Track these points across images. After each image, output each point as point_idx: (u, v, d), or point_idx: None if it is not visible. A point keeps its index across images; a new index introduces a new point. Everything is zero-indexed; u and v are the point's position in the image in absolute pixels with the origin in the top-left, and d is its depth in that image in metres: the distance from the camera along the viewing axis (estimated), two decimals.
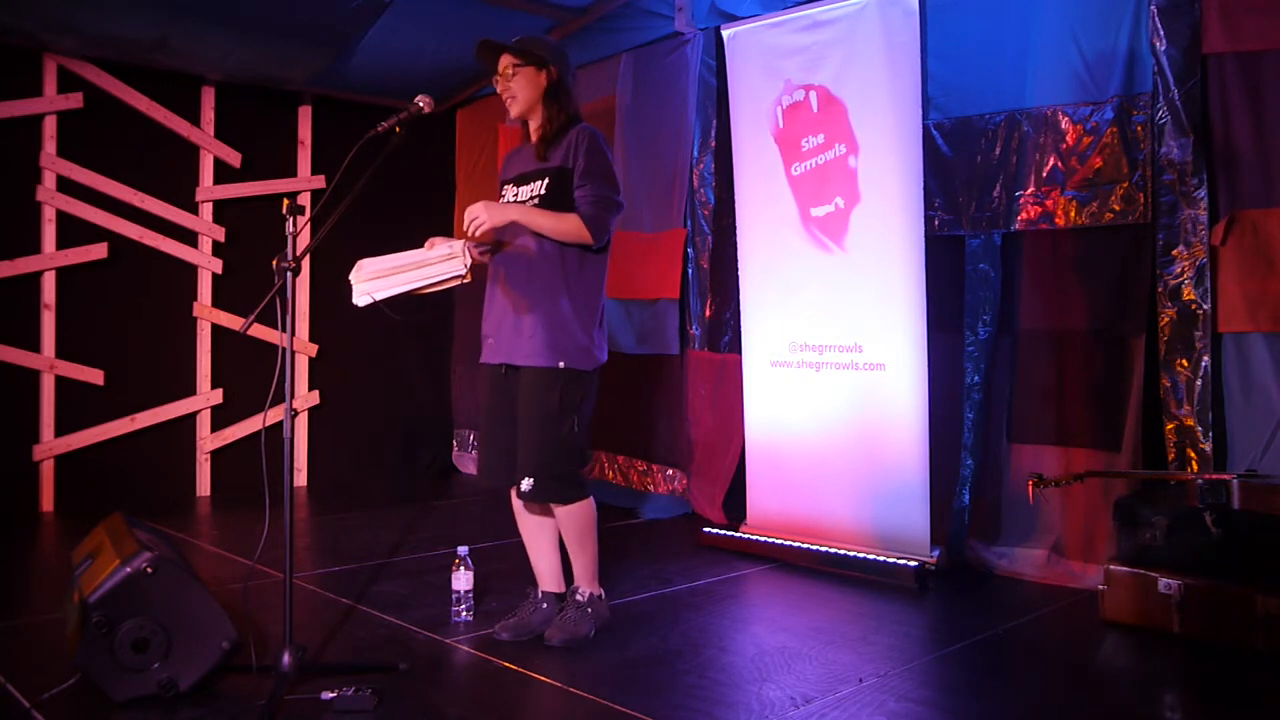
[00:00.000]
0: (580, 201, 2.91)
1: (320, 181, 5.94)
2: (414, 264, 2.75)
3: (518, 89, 2.97)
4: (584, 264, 2.97)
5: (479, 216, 2.81)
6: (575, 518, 2.99)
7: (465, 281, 2.79)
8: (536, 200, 2.94)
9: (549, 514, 3.08)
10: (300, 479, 5.98)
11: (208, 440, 5.59)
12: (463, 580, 3.19)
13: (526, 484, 2.91)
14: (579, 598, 3.06)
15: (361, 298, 2.72)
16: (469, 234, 2.87)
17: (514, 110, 3.01)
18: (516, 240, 2.96)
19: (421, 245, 2.83)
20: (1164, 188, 3.49)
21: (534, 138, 3.04)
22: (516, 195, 3.02)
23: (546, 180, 2.95)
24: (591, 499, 3.03)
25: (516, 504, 3.11)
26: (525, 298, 2.94)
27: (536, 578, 3.15)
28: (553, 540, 3.14)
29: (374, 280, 2.72)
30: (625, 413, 5.25)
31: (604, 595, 3.13)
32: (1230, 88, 3.37)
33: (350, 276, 2.74)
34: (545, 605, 3.09)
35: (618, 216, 2.98)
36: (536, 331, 2.92)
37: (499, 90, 3.02)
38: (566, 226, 2.88)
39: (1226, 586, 2.96)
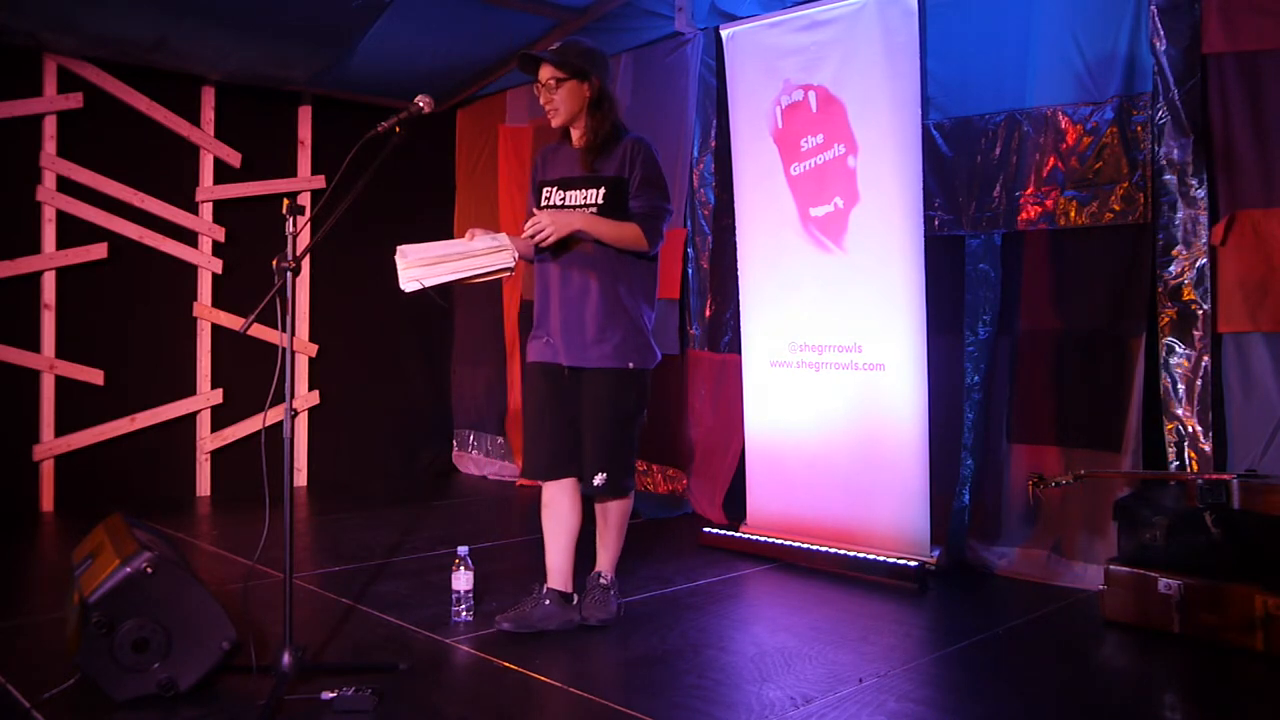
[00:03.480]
0: (637, 211, 3.01)
1: (320, 181, 5.94)
2: (461, 254, 2.79)
3: (560, 102, 3.03)
4: (641, 269, 3.08)
5: (545, 228, 2.90)
6: (625, 507, 3.19)
7: (510, 274, 2.87)
8: (595, 210, 3.01)
9: (577, 513, 3.16)
10: (300, 479, 5.98)
11: (208, 440, 5.59)
12: (463, 580, 3.19)
13: (600, 480, 3.04)
14: (603, 581, 3.19)
15: (410, 284, 2.75)
16: (535, 244, 2.95)
17: (556, 121, 3.08)
18: (575, 245, 3.03)
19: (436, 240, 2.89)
20: (1164, 188, 3.49)
21: (577, 144, 3.11)
22: (565, 199, 3.07)
23: (603, 189, 3.02)
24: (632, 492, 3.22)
25: (547, 495, 3.17)
26: (588, 302, 3.02)
27: (547, 572, 3.17)
28: (572, 539, 3.18)
29: (422, 267, 2.76)
30: None
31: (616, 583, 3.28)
32: (1230, 88, 3.37)
33: (396, 259, 2.77)
34: (548, 602, 3.09)
35: (668, 223, 3.10)
36: (605, 335, 3.01)
37: (541, 101, 3.07)
38: (627, 234, 2.98)
39: (1226, 586, 2.96)
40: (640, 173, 3.01)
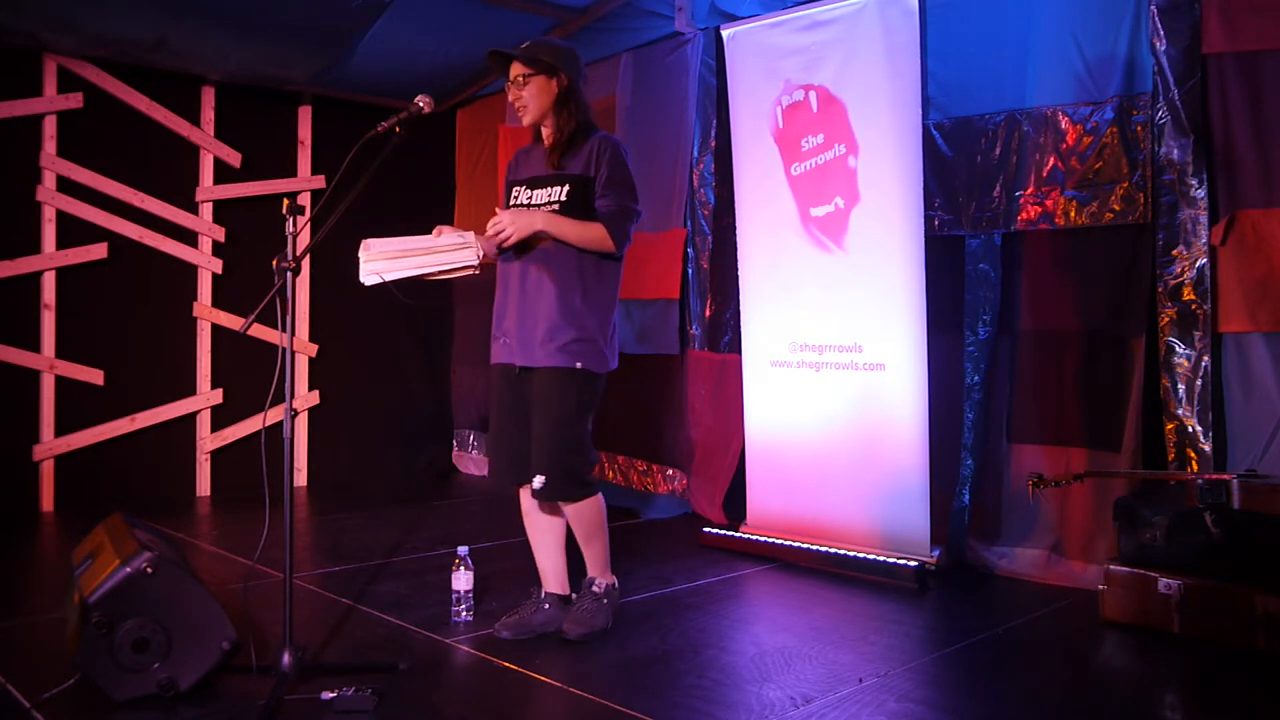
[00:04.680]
0: (602, 211, 2.94)
1: (320, 181, 5.94)
2: (425, 249, 2.75)
3: (529, 98, 2.98)
4: (600, 270, 3.00)
5: (505, 228, 2.85)
6: (585, 515, 3.03)
7: (475, 273, 2.80)
8: (557, 206, 2.95)
9: (558, 514, 3.09)
10: (300, 479, 5.98)
11: (208, 440, 5.59)
12: (463, 580, 3.18)
13: (539, 482, 2.93)
14: (595, 589, 3.08)
15: (370, 277, 2.70)
16: (496, 244, 2.89)
17: (526, 119, 3.03)
18: (537, 244, 2.97)
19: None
20: (1164, 188, 3.49)
21: (547, 143, 3.06)
22: (531, 198, 3.02)
23: (567, 187, 2.96)
24: (600, 495, 3.07)
25: (525, 503, 3.12)
26: (543, 301, 2.95)
27: (541, 577, 3.15)
28: (559, 541, 3.14)
29: (384, 260, 2.71)
30: (625, 413, 5.26)
31: (618, 584, 3.17)
32: (1230, 88, 3.37)
33: (359, 254, 2.73)
34: (548, 606, 3.09)
35: (635, 225, 3.03)
36: (554, 334, 2.93)
37: (511, 98, 3.03)
38: (591, 235, 2.92)
39: (1226, 586, 2.96)
40: (606, 172, 2.94)
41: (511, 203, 3.07)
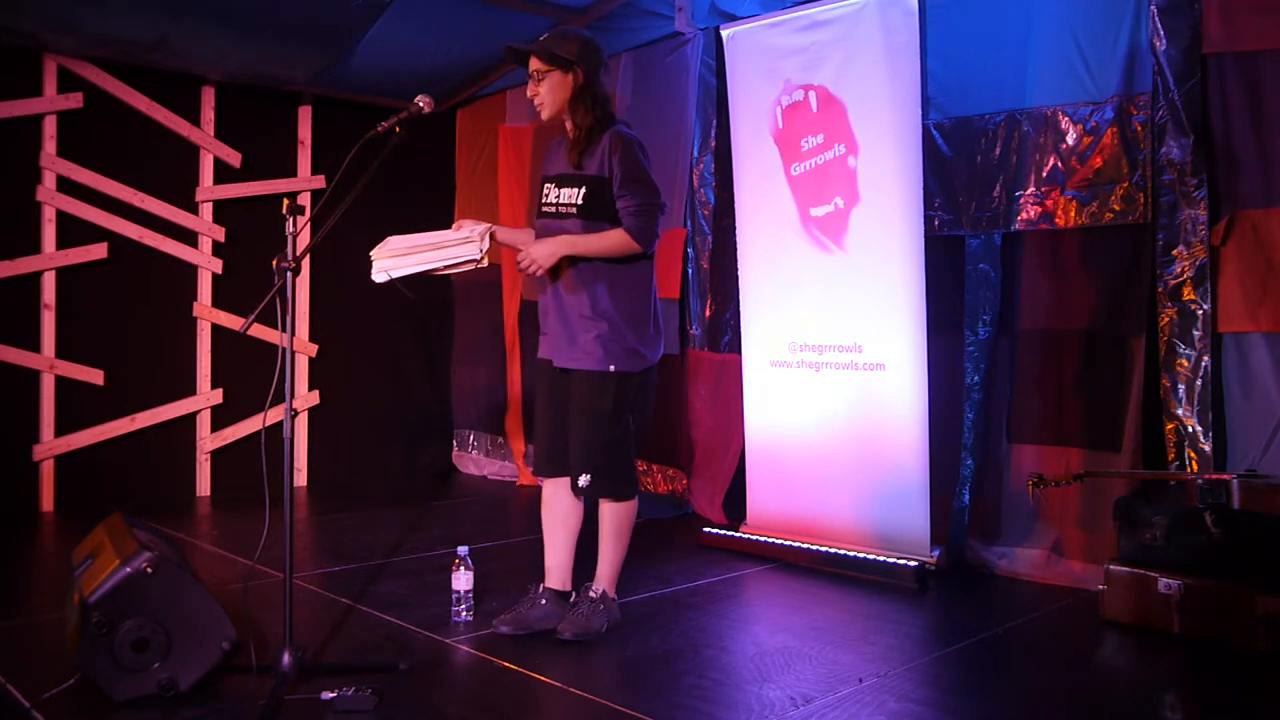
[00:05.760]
0: (624, 213, 2.95)
1: (320, 181, 5.94)
2: (432, 244, 2.79)
3: (545, 93, 2.99)
4: (633, 270, 3.01)
5: (529, 264, 2.90)
6: (621, 514, 3.08)
7: (480, 266, 2.85)
8: (575, 210, 2.97)
9: (577, 510, 3.13)
10: (300, 479, 5.98)
11: (208, 440, 5.58)
12: (463, 580, 3.19)
13: (584, 480, 2.98)
14: (592, 594, 3.09)
15: (379, 275, 2.77)
16: (526, 275, 2.96)
17: (545, 114, 3.03)
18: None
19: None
20: (1164, 188, 3.49)
21: (570, 137, 3.06)
22: (559, 197, 3.04)
23: (584, 189, 2.98)
24: (636, 499, 3.11)
25: (546, 493, 3.16)
26: (574, 301, 2.99)
27: (545, 572, 3.16)
28: (571, 538, 3.16)
29: (393, 258, 2.77)
30: None
31: (616, 599, 3.16)
32: (1230, 88, 3.37)
33: (372, 252, 2.78)
34: (545, 602, 3.09)
35: (662, 218, 3.03)
36: (584, 337, 2.96)
37: (529, 94, 3.03)
38: (613, 243, 2.93)
39: (1226, 586, 2.96)
40: (621, 170, 2.93)
41: (542, 199, 3.10)
